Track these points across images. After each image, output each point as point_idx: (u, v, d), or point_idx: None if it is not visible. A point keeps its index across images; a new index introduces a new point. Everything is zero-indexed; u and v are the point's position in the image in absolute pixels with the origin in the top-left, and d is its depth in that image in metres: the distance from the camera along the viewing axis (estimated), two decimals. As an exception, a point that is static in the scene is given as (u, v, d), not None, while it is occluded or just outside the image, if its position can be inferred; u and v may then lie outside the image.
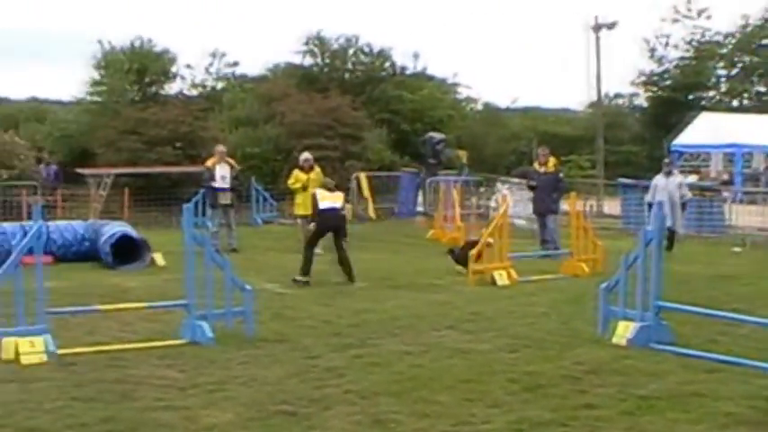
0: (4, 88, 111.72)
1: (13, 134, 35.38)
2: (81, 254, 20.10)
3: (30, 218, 23.25)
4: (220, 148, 23.32)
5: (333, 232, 17.26)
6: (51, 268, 12.88)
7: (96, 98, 41.05)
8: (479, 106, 53.16)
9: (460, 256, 18.10)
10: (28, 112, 48.09)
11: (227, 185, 22.46)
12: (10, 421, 8.16)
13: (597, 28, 39.33)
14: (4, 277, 10.78)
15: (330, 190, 17.59)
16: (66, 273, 17.34)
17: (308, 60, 44.88)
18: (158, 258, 19.60)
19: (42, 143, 38.94)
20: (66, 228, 20.79)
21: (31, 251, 11.01)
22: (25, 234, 17.13)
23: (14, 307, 10.89)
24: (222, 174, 22.40)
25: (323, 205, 17.14)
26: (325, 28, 45.32)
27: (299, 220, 22.72)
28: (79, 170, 32.86)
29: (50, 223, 20.58)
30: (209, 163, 22.94)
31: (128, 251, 19.44)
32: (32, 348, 10.49)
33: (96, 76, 40.99)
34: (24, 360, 10.34)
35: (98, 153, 35.60)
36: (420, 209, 32.01)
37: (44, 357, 10.44)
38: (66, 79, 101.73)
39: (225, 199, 22.45)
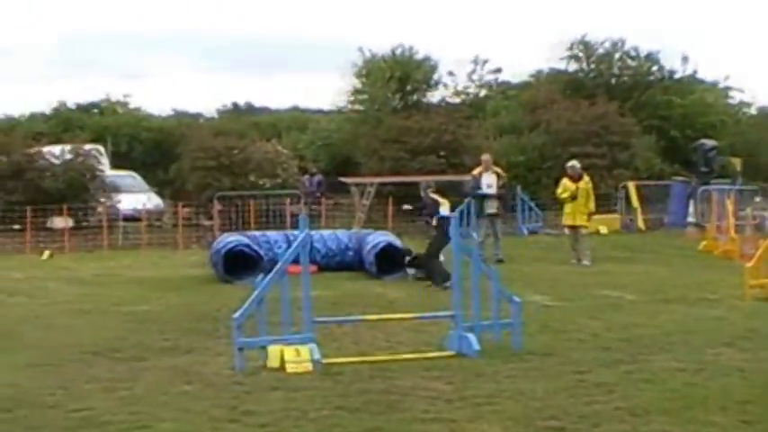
0: (266, 98, 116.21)
1: (275, 143, 36.61)
2: (345, 263, 20.61)
3: (293, 227, 24.08)
4: (486, 156, 23.40)
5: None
6: (315, 277, 13.29)
7: (358, 107, 41.94)
8: (753, 111, 51.18)
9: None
10: (290, 121, 49.57)
11: (493, 194, 22.48)
12: (277, 429, 8.42)
13: None
14: (271, 285, 11.15)
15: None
16: (331, 282, 17.78)
17: (573, 66, 44.42)
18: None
19: (304, 152, 40.10)
20: (329, 237, 21.36)
21: (297, 260, 11.33)
22: (289, 242, 17.78)
23: (280, 315, 11.28)
24: (488, 182, 22.44)
25: (443, 212, 17.14)
26: (590, 32, 44.58)
27: (566, 230, 22.60)
28: (342, 179, 33.65)
29: (314, 232, 21.14)
30: (474, 172, 23.07)
31: (392, 261, 19.75)
32: (298, 357, 10.79)
33: (358, 84, 41.90)
34: (290, 368, 10.66)
35: (361, 162, 36.40)
36: (691, 219, 31.11)
37: (309, 366, 10.72)
38: (327, 88, 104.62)
39: (491, 208, 22.48)
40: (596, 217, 25.56)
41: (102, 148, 35.44)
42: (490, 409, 8.96)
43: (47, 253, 26.38)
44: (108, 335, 13.56)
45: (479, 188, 22.54)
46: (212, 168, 32.08)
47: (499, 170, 23.18)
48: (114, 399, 9.72)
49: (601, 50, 43.89)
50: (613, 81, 43.43)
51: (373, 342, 12.42)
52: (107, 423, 8.75)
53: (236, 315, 10.98)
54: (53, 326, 14.44)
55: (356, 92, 42.00)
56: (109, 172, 34.24)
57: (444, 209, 17.89)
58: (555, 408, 8.96)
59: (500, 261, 21.40)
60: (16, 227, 29.76)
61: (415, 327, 13.14)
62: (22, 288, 19.22)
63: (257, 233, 22.14)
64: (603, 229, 29.59)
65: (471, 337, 11.44)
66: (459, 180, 31.57)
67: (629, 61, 43.98)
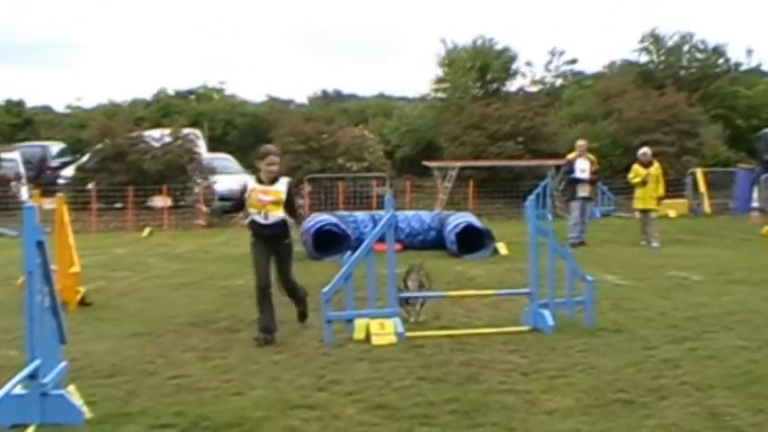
0: (354, 85, 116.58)
1: (362, 128, 36.75)
2: (427, 242, 20.66)
3: (379, 207, 24.17)
4: (581, 142, 23.10)
5: None
6: (399, 255, 13.36)
7: (441, 94, 41.92)
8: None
9: None
10: (376, 107, 49.57)
11: (586, 178, 22.28)
12: (362, 397, 8.50)
13: None
14: (358, 262, 11.25)
15: None
16: (413, 259, 17.66)
17: (644, 58, 43.98)
18: (501, 248, 19.83)
19: (389, 137, 40.16)
20: (413, 217, 21.42)
21: (382, 238, 11.41)
22: (375, 222, 17.87)
23: (366, 290, 11.38)
24: (582, 167, 22.20)
25: None
26: (661, 25, 44.11)
27: (637, 213, 22.50)
28: (425, 163, 33.73)
29: (399, 213, 21.22)
30: (569, 156, 22.92)
31: (472, 241, 19.77)
32: (383, 330, 10.89)
33: (440, 73, 41.88)
34: (375, 340, 10.77)
35: (443, 147, 36.42)
36: (755, 204, 30.62)
37: (393, 339, 10.81)
38: (410, 76, 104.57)
39: (583, 191, 22.25)
40: (665, 201, 25.36)
41: (199, 132, 35.89)
42: (563, 381, 8.97)
43: (147, 230, 26.82)
44: (203, 307, 13.80)
45: (572, 172, 22.34)
46: (303, 152, 32.35)
47: (592, 156, 22.93)
48: (209, 367, 9.89)
49: (671, 43, 43.41)
50: (682, 73, 42.86)
51: (454, 317, 12.49)
52: (202, 389, 8.92)
53: (325, 290, 11.10)
54: (152, 298, 14.69)
55: (439, 80, 41.97)
56: (205, 155, 34.65)
57: None
58: (624, 381, 8.93)
59: (582, 243, 21.26)
60: (118, 206, 30.31)
61: (493, 303, 13.19)
62: (124, 263, 19.56)
63: (345, 213, 22.30)
64: (672, 213, 29.29)
65: (546, 313, 11.44)
66: (537, 165, 31.64)
67: (697, 54, 43.43)
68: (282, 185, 11.11)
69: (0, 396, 7.30)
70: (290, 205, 11.12)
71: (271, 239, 11.10)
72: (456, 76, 40.83)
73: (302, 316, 12.02)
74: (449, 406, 8.14)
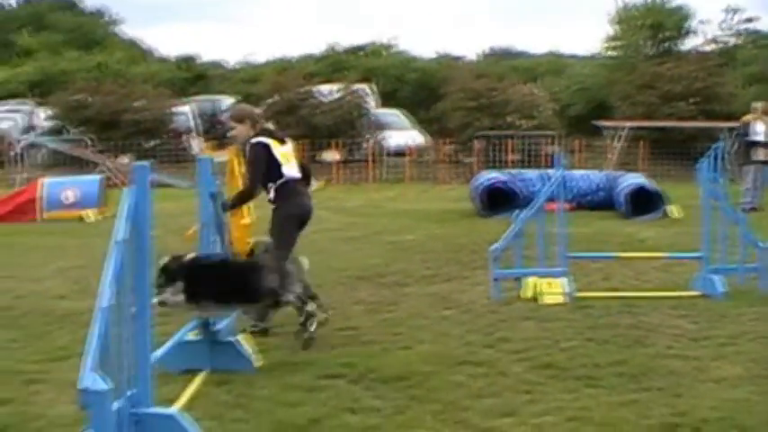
0: (525, 42, 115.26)
1: (532, 86, 36.41)
2: (595, 203, 20.37)
3: (548, 166, 23.96)
4: (758, 104, 21.94)
5: None
6: (568, 214, 13.18)
7: (612, 53, 41.20)
8: None
9: None
10: (546, 65, 49.07)
11: (763, 141, 21.38)
12: (528, 355, 8.48)
13: None
14: (528, 220, 11.21)
15: None
16: (583, 220, 17.64)
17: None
18: (673, 211, 19.41)
19: (560, 95, 39.72)
20: (582, 177, 21.15)
21: (552, 198, 11.33)
22: (544, 181, 17.71)
23: (535, 249, 11.33)
24: (759, 130, 21.25)
25: None
26: None
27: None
28: (596, 122, 33.24)
29: (567, 172, 20.97)
30: (745, 118, 22.02)
31: (643, 202, 19.41)
32: (551, 289, 10.83)
33: (612, 31, 41.15)
34: (543, 300, 10.72)
35: (614, 106, 35.79)
36: None
37: (561, 298, 10.74)
38: (582, 34, 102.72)
39: (760, 155, 21.33)
40: None
41: (368, 88, 36.14)
42: (733, 349, 8.74)
43: (321, 182, 27.19)
44: (373, 261, 13.96)
45: (747, 135, 21.52)
46: (473, 108, 32.23)
47: None
48: (378, 320, 10.04)
49: None
50: None
51: (623, 279, 12.32)
52: (371, 342, 9.05)
53: (494, 247, 11.09)
54: (323, 251, 14.91)
55: (611, 38, 41.25)
56: (375, 110, 34.91)
57: None
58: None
59: (754, 209, 20.53)
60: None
61: (663, 266, 12.92)
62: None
63: (514, 171, 22.19)
64: None
65: (717, 278, 11.16)
66: (710, 126, 30.73)
67: None
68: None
69: (173, 342, 7.56)
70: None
71: None
72: (628, 35, 40.06)
73: None
74: (615, 368, 8.04)
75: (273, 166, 9.12)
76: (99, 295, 5.37)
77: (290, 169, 9.24)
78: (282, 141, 9.35)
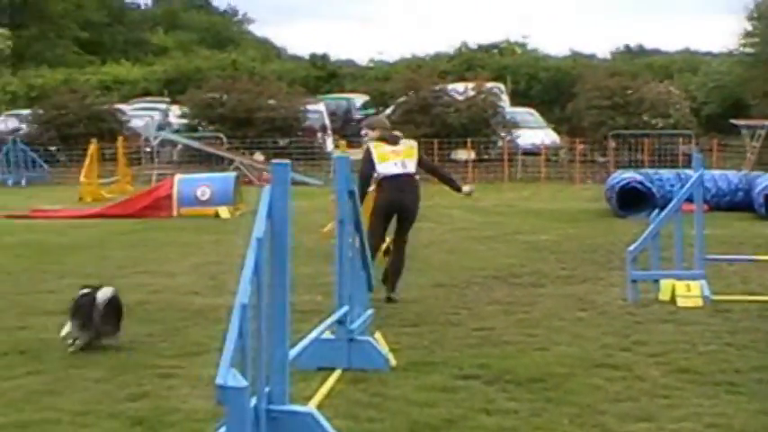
0: (658, 40, 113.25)
1: (667, 84, 35.75)
2: (734, 203, 19.95)
3: (685, 166, 23.53)
4: None
5: None
6: (706, 216, 12.89)
7: (749, 50, 40.14)
8: None
9: None
10: (681, 62, 48.14)
11: None
12: (666, 359, 8.33)
13: None
14: (665, 222, 11.03)
15: None
16: (720, 221, 17.26)
17: None
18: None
19: (695, 93, 38.90)
20: (720, 177, 20.72)
21: (690, 198, 11.13)
22: (681, 181, 17.41)
23: (673, 251, 11.14)
24: None
25: None
26: None
27: None
28: (733, 121, 32.48)
29: (705, 172, 20.54)
30: None
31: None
32: (688, 292, 10.63)
33: (749, 27, 40.04)
34: (680, 302, 10.52)
35: (751, 104, 34.88)
36: None
37: (699, 302, 10.52)
38: (716, 30, 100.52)
39: None
40: None
41: (502, 86, 35.98)
42: None
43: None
44: (507, 261, 13.92)
45: None
46: (607, 107, 31.88)
47: None
48: (513, 321, 9.98)
49: None
50: None
51: (762, 282, 11.98)
52: (506, 343, 8.99)
53: (631, 248, 10.93)
54: (456, 250, 14.95)
55: (747, 34, 40.15)
56: (508, 109, 34.73)
57: None
58: None
59: None
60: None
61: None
62: (428, 215, 19.82)
63: (650, 171, 21.86)
64: None
65: None
66: None
67: None
68: None
69: (310, 340, 7.58)
70: None
71: None
72: (765, 30, 38.97)
73: None
74: (756, 374, 7.83)
75: (371, 164, 10.79)
76: (238, 292, 5.42)
77: (386, 166, 10.76)
78: (394, 142, 11.05)
